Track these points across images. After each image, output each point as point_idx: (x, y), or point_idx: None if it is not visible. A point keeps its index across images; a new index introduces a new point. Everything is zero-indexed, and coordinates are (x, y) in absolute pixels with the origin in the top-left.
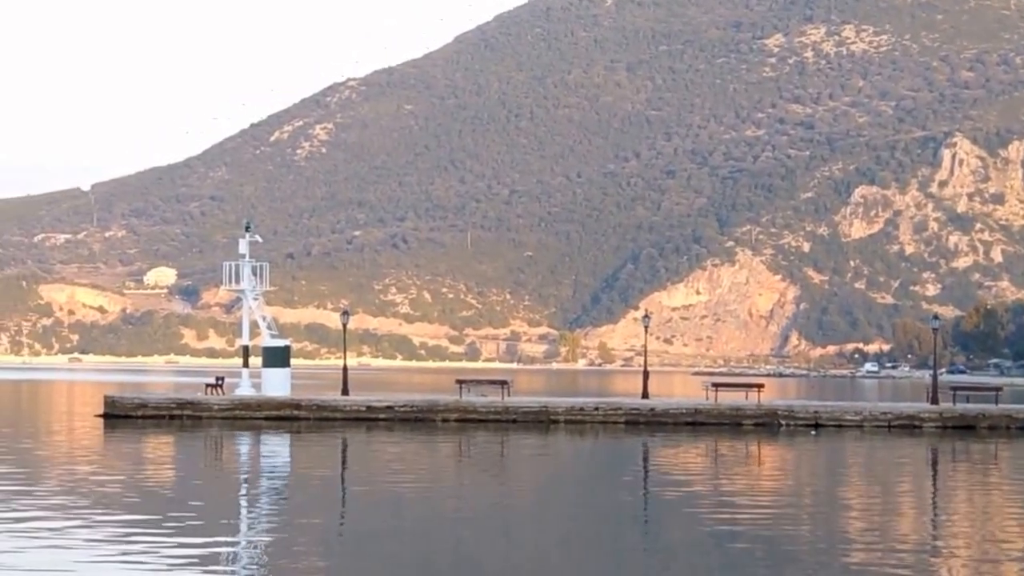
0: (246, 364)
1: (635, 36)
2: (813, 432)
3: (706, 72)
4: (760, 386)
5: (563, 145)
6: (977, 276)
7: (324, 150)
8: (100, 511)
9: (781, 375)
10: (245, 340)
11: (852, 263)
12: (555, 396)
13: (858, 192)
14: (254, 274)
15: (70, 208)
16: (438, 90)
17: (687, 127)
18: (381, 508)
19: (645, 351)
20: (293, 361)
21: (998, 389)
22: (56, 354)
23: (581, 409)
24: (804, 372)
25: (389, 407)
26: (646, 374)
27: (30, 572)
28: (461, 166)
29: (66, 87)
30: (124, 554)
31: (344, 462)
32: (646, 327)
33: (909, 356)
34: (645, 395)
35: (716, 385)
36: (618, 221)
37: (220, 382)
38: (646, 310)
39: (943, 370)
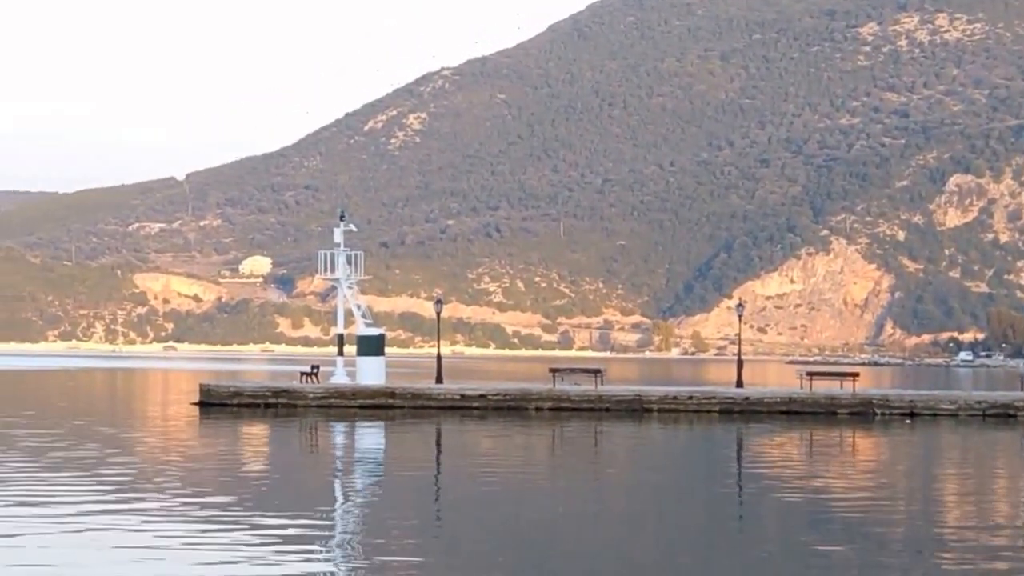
0: (341, 352)
1: (728, 25)
2: (908, 421)
3: (800, 61)
4: (855, 375)
5: (656, 134)
6: None
7: (418, 139)
8: (197, 497)
9: (876, 364)
10: (340, 329)
11: (947, 252)
12: (648, 385)
13: (952, 181)
14: (349, 263)
15: (165, 197)
16: (531, 79)
17: (781, 116)
18: (474, 496)
19: (739, 340)
20: (387, 349)
21: None
22: (151, 343)
23: (675, 398)
24: (899, 361)
25: (482, 395)
26: (740, 363)
27: (134, 552)
28: (554, 155)
29: (162, 77)
30: (221, 539)
31: (438, 450)
32: (740, 316)
33: (1003, 345)
34: (739, 384)
35: (811, 374)
36: (712, 210)
37: (315, 370)
38: (740, 299)
39: None
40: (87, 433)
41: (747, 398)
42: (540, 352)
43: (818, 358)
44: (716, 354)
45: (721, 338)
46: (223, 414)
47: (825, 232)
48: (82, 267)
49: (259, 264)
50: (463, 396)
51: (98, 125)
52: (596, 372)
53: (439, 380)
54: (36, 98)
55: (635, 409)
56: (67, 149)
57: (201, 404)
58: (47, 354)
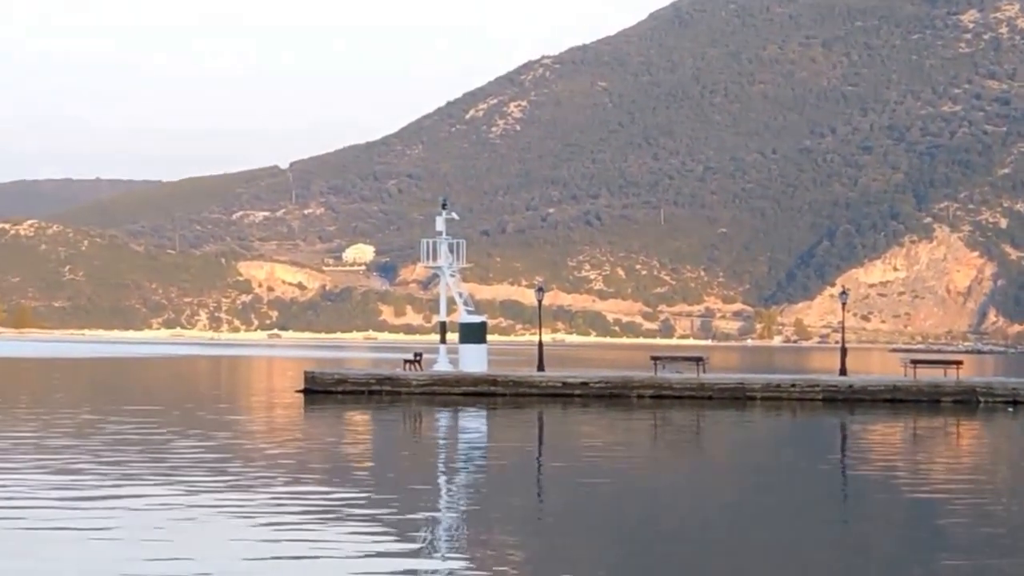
0: (443, 340)
1: (830, 12)
2: (1010, 409)
3: (901, 48)
4: (959, 363)
5: (758, 121)
6: None
7: (518, 128)
8: (302, 484)
9: (979, 352)
10: (442, 316)
11: None
12: (751, 373)
13: None
14: (451, 251)
15: (269, 186)
16: (632, 67)
17: (883, 103)
18: (576, 483)
19: (843, 328)
20: (488, 337)
21: None
22: (255, 330)
23: (778, 386)
24: (1001, 349)
25: (584, 383)
26: (844, 351)
27: (243, 541)
28: (655, 143)
29: (266, 66)
30: (325, 525)
31: (540, 437)
32: (844, 304)
33: None
34: (843, 372)
35: (915, 362)
36: (814, 197)
37: (418, 358)
38: (843, 287)
39: None
40: (194, 422)
41: (851, 386)
42: (641, 340)
43: (921, 346)
44: (819, 342)
45: (824, 326)
46: (328, 401)
47: (928, 220)
48: (186, 255)
49: (362, 252)
50: (565, 384)
51: (202, 114)
52: (698, 360)
53: (540, 368)
54: (139, 89)
55: (738, 397)
56: (171, 138)
57: (306, 392)
58: (149, 341)
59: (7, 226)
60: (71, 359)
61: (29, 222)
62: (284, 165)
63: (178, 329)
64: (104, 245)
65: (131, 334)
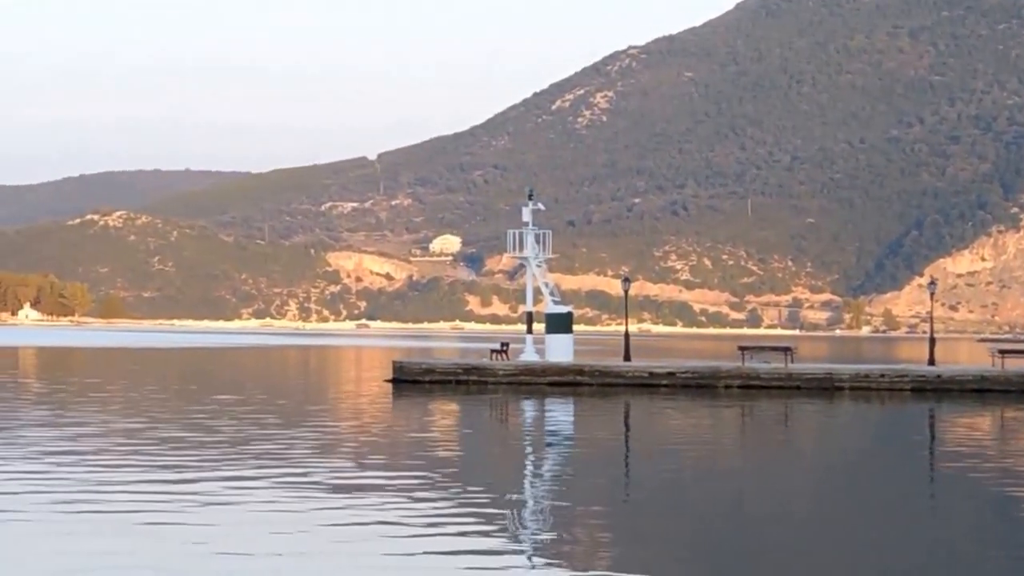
0: (530, 330)
1: (917, 2)
2: None
3: (988, 38)
4: None
5: (845, 111)
6: None
7: (605, 118)
8: (391, 473)
9: None
10: (529, 306)
11: None
12: (839, 363)
13: None
14: (537, 241)
15: (357, 177)
16: (719, 57)
17: (970, 92)
18: (664, 473)
19: (931, 317)
20: (575, 327)
21: None
22: (343, 320)
23: (866, 376)
24: None
25: (671, 373)
26: (932, 340)
27: (328, 529)
28: (742, 133)
29: (353, 59)
30: (412, 513)
31: (626, 427)
32: (932, 294)
33: None
34: (931, 362)
35: (1003, 352)
36: (902, 187)
37: (505, 348)
38: (931, 276)
39: None
40: (283, 411)
41: (939, 376)
42: (728, 330)
43: (1009, 336)
44: (907, 332)
45: (912, 316)
46: (415, 391)
47: (1015, 210)
48: (275, 246)
49: (449, 243)
50: (651, 374)
51: (290, 106)
52: (786, 350)
53: (627, 358)
54: (228, 81)
55: (826, 387)
56: (260, 129)
57: (394, 381)
58: (239, 331)
59: (97, 217)
60: (160, 349)
61: (118, 213)
62: (372, 156)
63: (268, 319)
64: (193, 236)
65: (221, 324)
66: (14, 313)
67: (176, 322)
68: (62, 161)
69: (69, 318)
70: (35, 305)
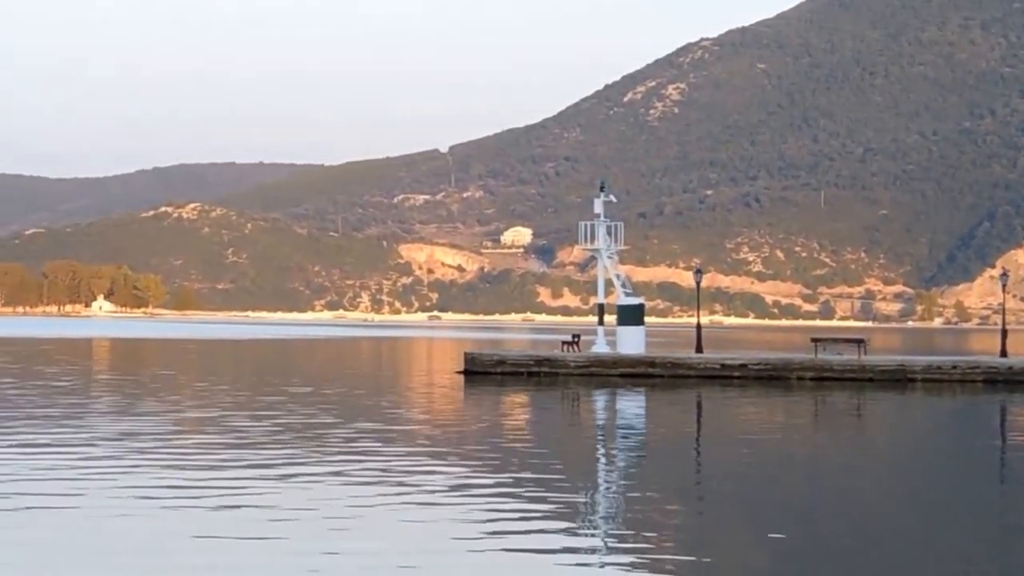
0: (601, 322)
1: None
2: None
3: None
4: None
5: (917, 103)
6: None
7: (677, 110)
8: (463, 464)
9: None
10: (600, 298)
11: None
12: (912, 354)
13: None
14: (609, 233)
15: (429, 170)
16: (791, 49)
17: None
18: (735, 465)
19: (1003, 309)
20: (646, 319)
21: None
22: (415, 312)
23: (938, 367)
24: None
25: (743, 365)
26: (1004, 332)
27: (401, 523)
28: (814, 124)
29: (424, 52)
30: (484, 504)
31: (699, 418)
32: (1004, 285)
33: None
34: (1003, 353)
35: None
36: (974, 179)
37: (576, 339)
38: (1003, 268)
39: None
40: (356, 403)
41: (1011, 368)
42: (800, 322)
43: None
44: (979, 323)
45: (984, 307)
46: (487, 382)
47: None
48: (348, 238)
49: (520, 235)
50: (723, 365)
51: (363, 99)
52: (859, 342)
53: (699, 349)
54: (303, 75)
55: (898, 379)
56: (334, 122)
57: (466, 372)
58: (312, 323)
59: (171, 209)
60: (234, 341)
61: (192, 205)
62: (444, 149)
63: (340, 311)
64: (267, 228)
65: (294, 316)
66: (87, 305)
67: (250, 314)
68: (136, 154)
69: (143, 310)
70: (109, 297)
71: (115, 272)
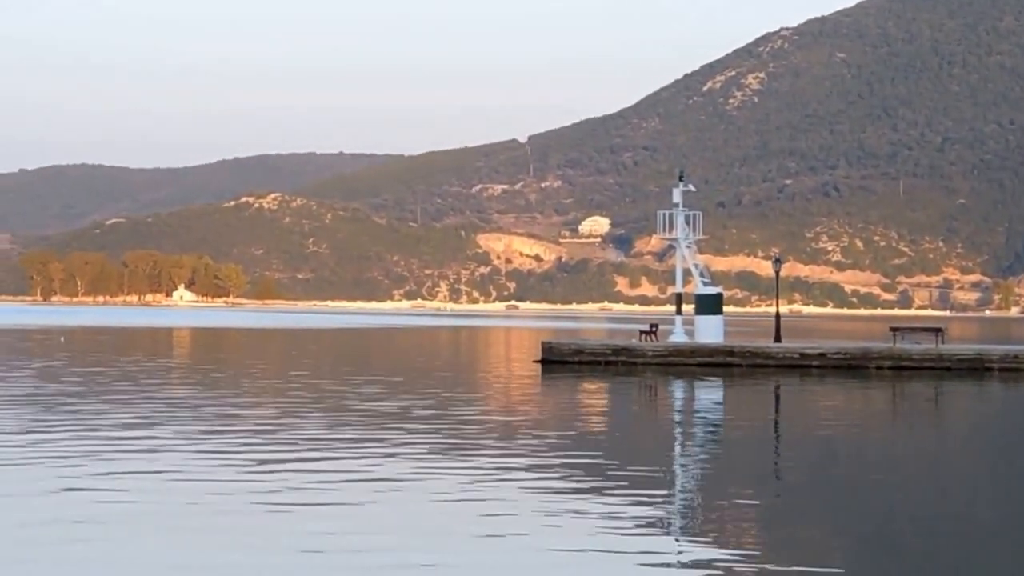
0: (679, 311)
1: None
2: None
3: None
4: None
5: (995, 92)
6: None
7: (756, 99)
8: (540, 453)
9: None
10: (678, 287)
11: None
12: (989, 344)
13: None
14: (687, 223)
15: (507, 159)
16: (870, 38)
17: None
18: (814, 454)
19: None
20: (724, 308)
21: None
22: (493, 301)
23: (1016, 357)
24: None
25: (822, 354)
26: None
27: (479, 514)
28: (893, 114)
29: (502, 42)
30: (562, 492)
31: (777, 407)
32: None
33: None
34: None
35: None
36: None
37: (654, 329)
38: None
39: None
40: (435, 391)
41: None
42: (878, 311)
43: None
44: None
45: None
46: (564, 371)
47: None
48: (427, 228)
49: (598, 224)
50: (802, 355)
51: (442, 89)
52: (937, 331)
53: (777, 339)
54: (381, 65)
55: (976, 368)
56: (413, 112)
57: (543, 362)
58: (391, 312)
59: (252, 200)
60: (315, 329)
61: (273, 195)
62: (523, 139)
63: (419, 300)
64: (347, 218)
65: (373, 305)
66: (168, 294)
67: (329, 303)
68: (217, 144)
69: (223, 299)
70: (190, 286)
71: (196, 262)
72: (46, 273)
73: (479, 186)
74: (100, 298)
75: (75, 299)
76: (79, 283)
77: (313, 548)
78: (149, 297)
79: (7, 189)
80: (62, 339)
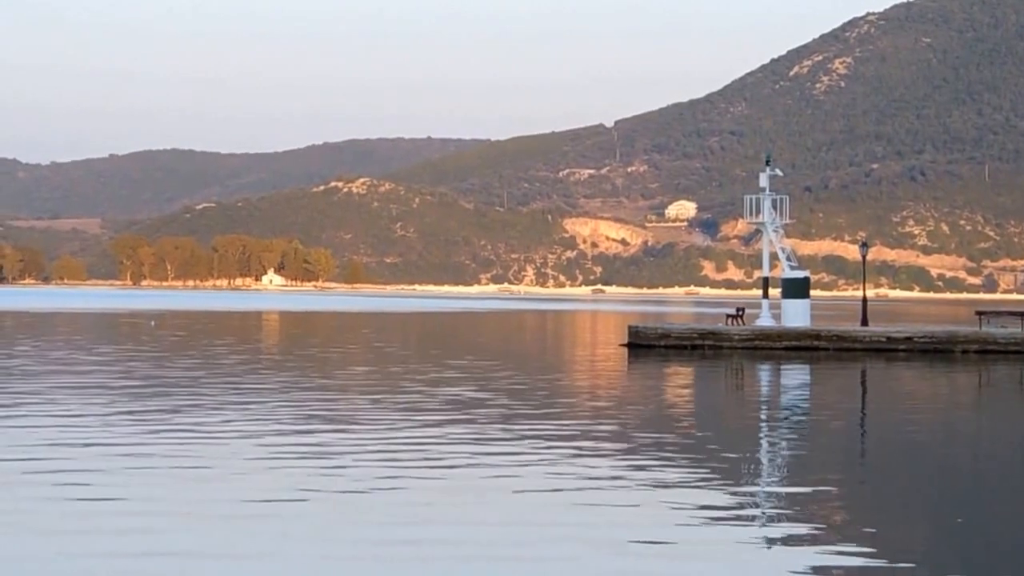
0: (766, 295)
1: None
2: None
3: None
4: None
5: None
6: None
7: (843, 84)
8: (626, 438)
9: None
10: (765, 271)
11: None
12: None
13: None
14: (774, 207)
15: (594, 144)
16: (956, 23)
17: None
18: (900, 439)
19: None
20: (811, 292)
21: None
22: (579, 285)
23: None
24: None
25: (908, 338)
26: None
27: (559, 493)
28: (979, 98)
29: (590, 25)
30: (644, 479)
31: (863, 390)
32: None
33: None
34: None
35: None
36: None
37: (740, 313)
38: None
39: None
40: (522, 374)
41: None
42: (964, 295)
43: None
44: None
45: None
46: (651, 355)
47: None
48: (514, 212)
49: (684, 209)
50: (888, 339)
51: (529, 74)
52: (1022, 315)
53: (864, 322)
54: (470, 50)
55: None
56: (500, 97)
57: (629, 346)
58: (478, 296)
59: (340, 184)
60: (403, 313)
61: (361, 180)
62: (609, 123)
63: (505, 284)
64: (434, 202)
65: (460, 289)
66: (257, 279)
67: (417, 287)
68: (307, 129)
69: (313, 283)
70: (279, 270)
71: (285, 246)
72: (136, 258)
73: (566, 171)
74: (190, 282)
75: (165, 283)
76: (169, 268)
77: (413, 520)
78: (239, 281)
79: (98, 174)
80: (152, 323)
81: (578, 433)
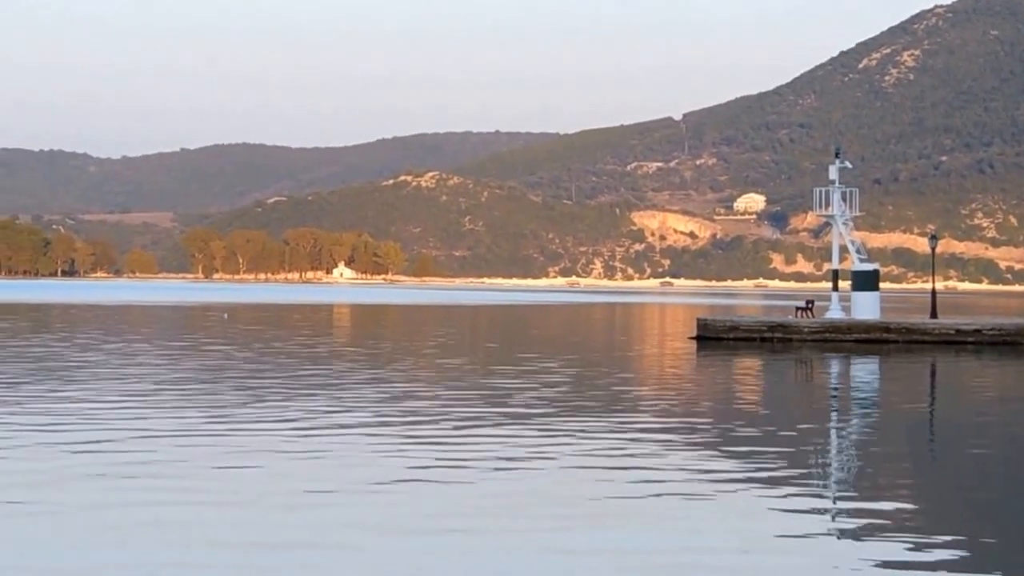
0: (835, 288)
1: None
2: None
3: None
4: None
5: None
6: None
7: (911, 76)
8: (696, 429)
9: None
10: (834, 264)
11: None
12: None
13: None
14: (844, 200)
15: (662, 137)
16: (1023, 15)
17: None
18: (970, 432)
19: None
20: (880, 285)
21: None
22: (648, 278)
23: None
24: None
25: (977, 331)
26: None
27: (627, 483)
28: None
29: (657, 18)
30: (711, 468)
31: (933, 383)
32: None
33: None
34: None
35: None
36: None
37: (810, 305)
38: None
39: None
40: (590, 367)
41: None
42: None
43: None
44: None
45: None
46: (719, 348)
47: None
48: (582, 205)
49: (753, 201)
50: (958, 331)
51: (598, 68)
52: None
53: (933, 315)
54: (539, 43)
55: None
56: (569, 90)
57: (698, 338)
58: (546, 289)
59: (409, 178)
60: (472, 306)
61: (430, 174)
62: (677, 117)
63: (573, 277)
64: (503, 196)
65: (529, 282)
66: (328, 272)
67: (485, 280)
68: (376, 123)
69: (382, 276)
70: (349, 264)
71: (355, 240)
72: (208, 251)
73: (634, 164)
74: (261, 275)
75: (236, 276)
76: (240, 261)
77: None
78: (309, 274)
79: (169, 168)
80: (225, 316)
81: (679, 426)
